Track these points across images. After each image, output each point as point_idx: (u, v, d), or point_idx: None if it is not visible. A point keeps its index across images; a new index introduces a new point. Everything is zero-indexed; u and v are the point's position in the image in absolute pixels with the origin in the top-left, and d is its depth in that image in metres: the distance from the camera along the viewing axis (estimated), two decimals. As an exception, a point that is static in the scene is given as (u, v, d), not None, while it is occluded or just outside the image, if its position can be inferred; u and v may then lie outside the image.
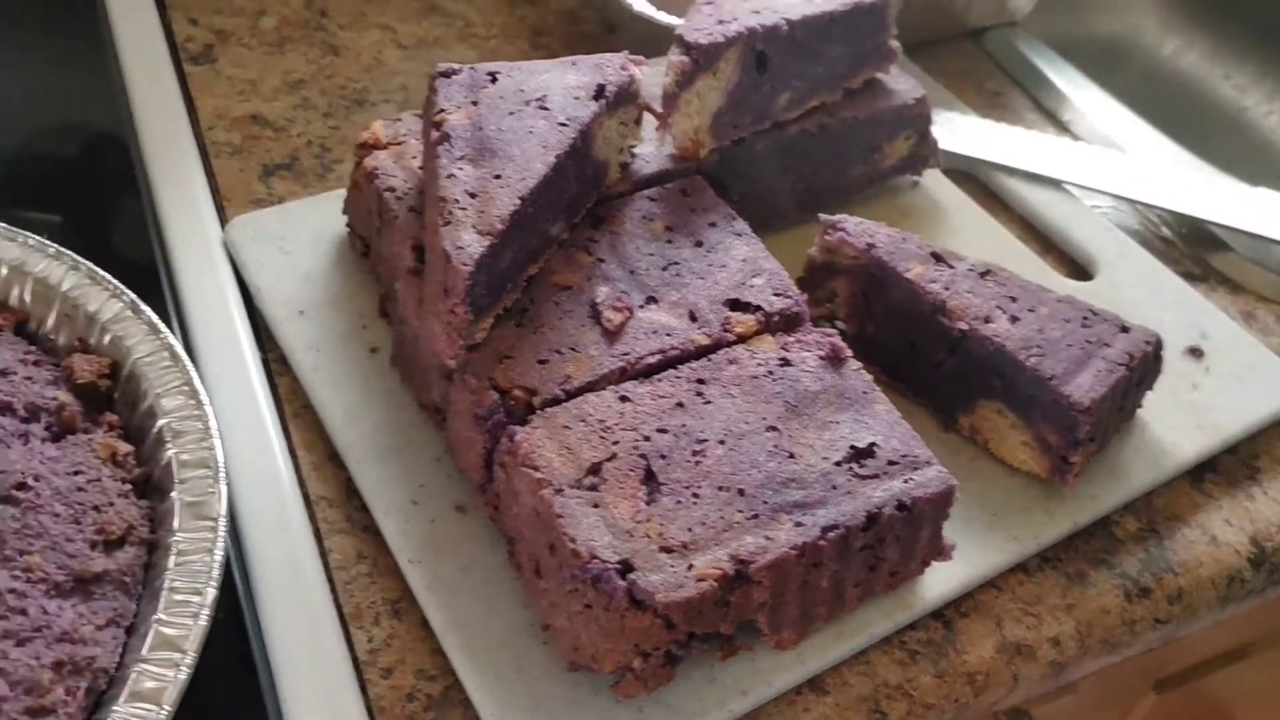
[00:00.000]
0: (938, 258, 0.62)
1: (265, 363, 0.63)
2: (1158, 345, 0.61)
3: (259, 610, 0.53)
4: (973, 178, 0.81)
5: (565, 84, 0.59)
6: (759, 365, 0.55)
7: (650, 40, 0.77)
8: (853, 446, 0.53)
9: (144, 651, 0.45)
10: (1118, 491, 0.61)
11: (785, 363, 0.56)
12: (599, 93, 0.59)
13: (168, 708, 0.44)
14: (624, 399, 0.53)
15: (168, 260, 0.67)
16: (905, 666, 0.55)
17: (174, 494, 0.51)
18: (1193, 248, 0.79)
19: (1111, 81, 0.92)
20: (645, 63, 0.64)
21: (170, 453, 0.52)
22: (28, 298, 0.58)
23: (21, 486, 0.49)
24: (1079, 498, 0.60)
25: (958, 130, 0.81)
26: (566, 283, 0.58)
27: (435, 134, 0.56)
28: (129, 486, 0.52)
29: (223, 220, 0.70)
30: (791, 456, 0.52)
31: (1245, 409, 0.66)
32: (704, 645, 0.50)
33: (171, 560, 0.48)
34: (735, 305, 0.58)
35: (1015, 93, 0.91)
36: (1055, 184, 0.79)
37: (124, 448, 0.53)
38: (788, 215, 0.72)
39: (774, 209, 0.71)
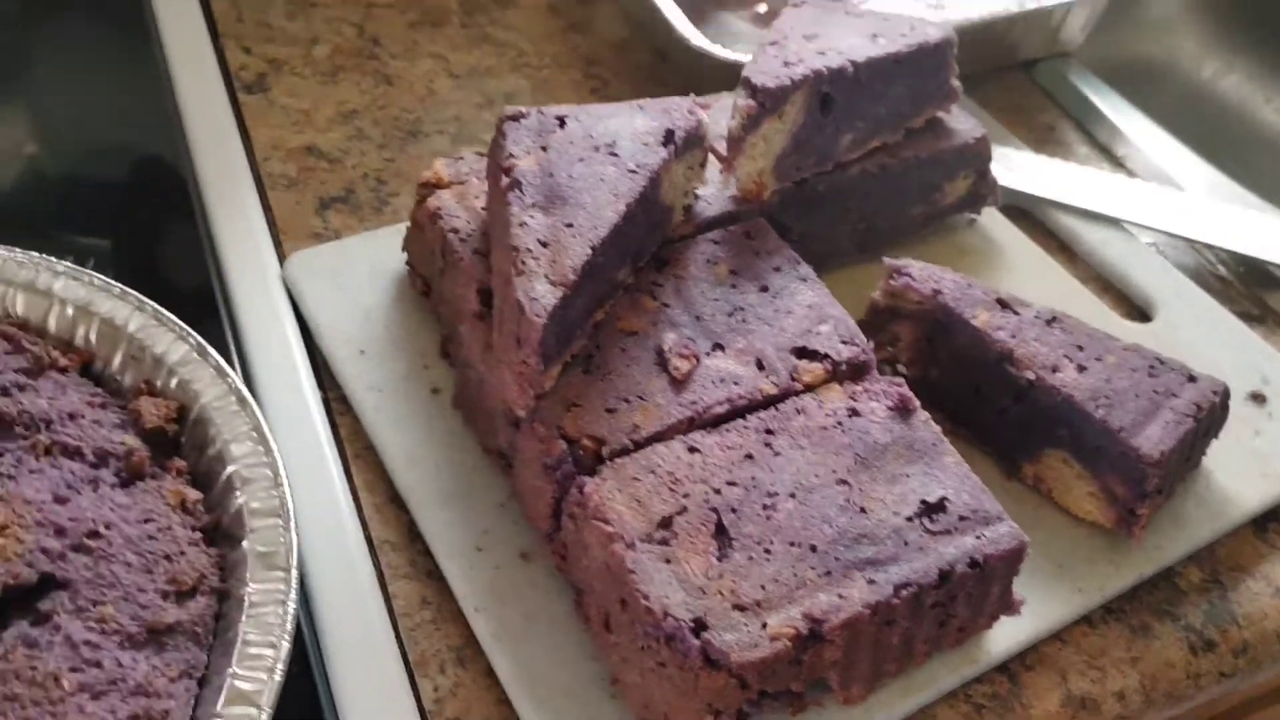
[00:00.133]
0: (1003, 304, 0.62)
1: (326, 402, 0.63)
2: (1225, 395, 0.61)
3: (326, 659, 0.52)
4: (1028, 215, 0.80)
5: (634, 129, 0.59)
6: (828, 416, 0.55)
7: (703, 72, 0.77)
8: (923, 501, 0.52)
9: (219, 706, 0.45)
10: (1182, 541, 0.60)
11: (854, 413, 0.55)
12: (668, 138, 0.59)
13: (246, 762, 0.44)
14: (693, 450, 0.53)
15: (227, 295, 0.67)
16: (971, 721, 0.54)
17: (245, 543, 0.50)
18: (1250, 287, 0.78)
19: (1151, 105, 0.92)
20: (710, 104, 0.64)
21: (240, 500, 0.52)
22: (93, 338, 0.58)
23: (93, 535, 0.49)
24: (1144, 548, 0.59)
25: (1014, 167, 0.81)
26: (632, 328, 0.57)
27: (505, 180, 0.56)
28: (199, 535, 0.51)
29: (280, 255, 0.70)
30: (863, 511, 0.52)
31: (1309, 457, 0.65)
32: (775, 702, 0.50)
33: (244, 612, 0.48)
34: (802, 353, 0.57)
35: (1067, 125, 0.90)
36: (1113, 222, 0.79)
37: (193, 494, 0.53)
38: (847, 254, 0.71)
39: (833, 248, 0.70)
